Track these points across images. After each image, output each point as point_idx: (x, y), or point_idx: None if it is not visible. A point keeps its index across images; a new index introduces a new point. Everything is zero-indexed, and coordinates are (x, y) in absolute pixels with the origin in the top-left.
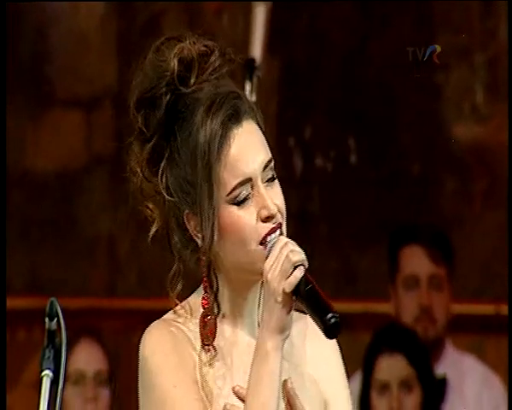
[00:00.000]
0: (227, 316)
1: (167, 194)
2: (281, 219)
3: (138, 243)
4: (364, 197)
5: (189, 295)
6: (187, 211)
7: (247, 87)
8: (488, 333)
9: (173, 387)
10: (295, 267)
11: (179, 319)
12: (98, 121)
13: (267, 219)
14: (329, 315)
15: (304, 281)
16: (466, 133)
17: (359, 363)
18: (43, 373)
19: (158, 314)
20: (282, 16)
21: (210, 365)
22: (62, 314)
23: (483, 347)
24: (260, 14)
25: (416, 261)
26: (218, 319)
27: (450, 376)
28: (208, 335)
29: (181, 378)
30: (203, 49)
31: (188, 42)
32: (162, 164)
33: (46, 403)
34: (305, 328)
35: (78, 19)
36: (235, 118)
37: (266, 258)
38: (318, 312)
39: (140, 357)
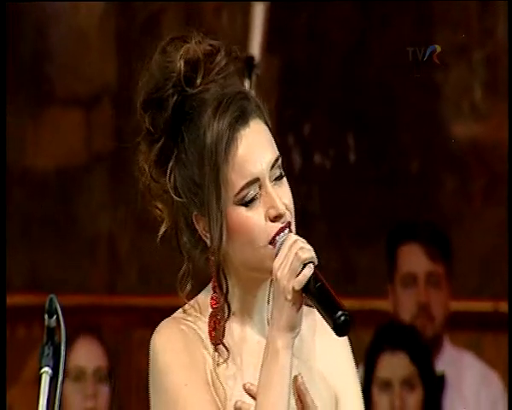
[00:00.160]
0: (236, 314)
1: (175, 194)
2: (289, 217)
3: (138, 240)
4: (364, 196)
5: (197, 293)
6: (195, 212)
7: (246, 85)
8: (486, 330)
9: (184, 385)
10: (305, 265)
11: (189, 318)
12: (98, 120)
13: (276, 219)
14: (339, 313)
15: (313, 279)
16: (465, 131)
17: (358, 360)
18: (43, 370)
19: (157, 311)
20: (282, 15)
21: (221, 365)
22: (62, 311)
23: (481, 344)
24: (259, 13)
25: (414, 259)
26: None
27: (448, 373)
28: (217, 335)
29: (192, 377)
30: (209, 48)
31: (193, 42)
32: (170, 164)
33: (46, 400)
34: (315, 323)
35: (78, 18)
36: (241, 119)
37: (275, 256)
38: (328, 310)
39: (150, 355)
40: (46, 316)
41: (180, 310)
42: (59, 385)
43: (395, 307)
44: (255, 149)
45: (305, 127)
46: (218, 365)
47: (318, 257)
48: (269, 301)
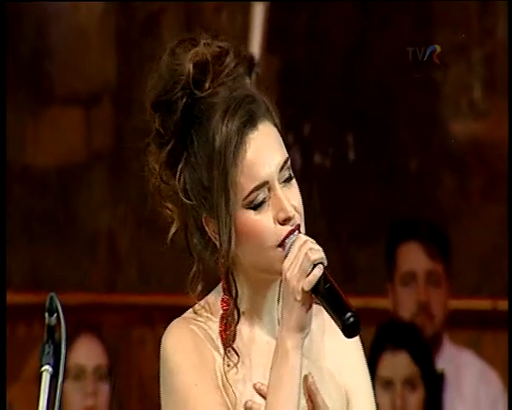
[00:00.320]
0: (246, 314)
1: (185, 197)
2: (299, 219)
3: (138, 239)
4: (363, 194)
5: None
6: (205, 214)
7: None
8: (486, 329)
9: (194, 385)
10: (314, 266)
11: (200, 318)
12: (98, 118)
13: (285, 222)
14: (348, 314)
15: (323, 279)
16: (464, 129)
17: None
18: (43, 368)
19: (157, 310)
20: (282, 15)
21: (231, 367)
22: (62, 310)
23: (480, 342)
24: (259, 13)
25: (414, 258)
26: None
27: (447, 371)
28: (228, 338)
29: (202, 377)
30: (217, 50)
31: (202, 44)
32: (180, 167)
33: (46, 398)
34: (324, 322)
35: (78, 16)
36: (250, 122)
37: (285, 257)
38: (337, 311)
39: (161, 355)
40: (46, 314)
41: (190, 310)
42: (59, 384)
43: (395, 306)
44: (264, 151)
45: (305, 127)
46: (228, 367)
47: (327, 258)
48: (279, 301)
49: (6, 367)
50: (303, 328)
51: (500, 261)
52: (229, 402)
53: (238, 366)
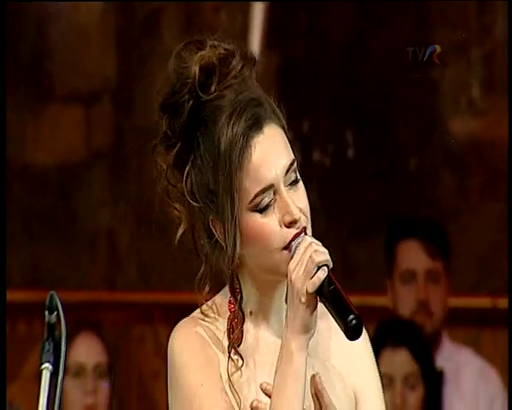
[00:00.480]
0: (253, 315)
1: (192, 199)
2: (305, 222)
3: (138, 237)
4: (362, 191)
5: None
6: (211, 217)
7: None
8: (485, 326)
9: (200, 385)
10: (319, 268)
11: (207, 319)
12: (97, 117)
13: (291, 225)
14: (351, 317)
15: (327, 282)
16: (463, 127)
17: None
18: (43, 366)
19: (157, 307)
20: (281, 15)
21: (237, 369)
22: (62, 308)
23: (480, 340)
24: (258, 12)
25: (413, 256)
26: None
27: (447, 369)
28: (235, 339)
29: (208, 377)
30: (224, 53)
31: (208, 46)
32: (187, 169)
33: (46, 396)
34: (332, 323)
35: (78, 15)
36: (255, 126)
37: (291, 259)
38: (340, 313)
39: (168, 355)
40: (46, 312)
41: (198, 310)
42: (59, 381)
43: (394, 303)
44: (269, 155)
45: (305, 124)
46: (233, 370)
47: (332, 259)
48: (287, 301)
49: (6, 365)
50: (308, 330)
51: (499, 259)
52: (234, 403)
53: (242, 369)
